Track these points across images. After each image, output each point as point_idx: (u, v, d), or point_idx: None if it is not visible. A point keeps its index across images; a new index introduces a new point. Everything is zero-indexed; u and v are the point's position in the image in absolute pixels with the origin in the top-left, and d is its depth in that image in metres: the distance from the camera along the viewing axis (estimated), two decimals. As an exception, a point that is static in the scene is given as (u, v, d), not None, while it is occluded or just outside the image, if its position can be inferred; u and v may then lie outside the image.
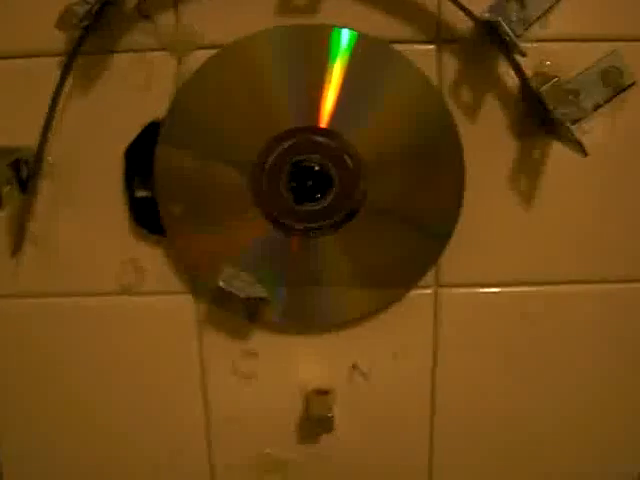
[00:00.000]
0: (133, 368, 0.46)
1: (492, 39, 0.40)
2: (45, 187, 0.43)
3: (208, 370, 0.46)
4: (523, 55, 0.38)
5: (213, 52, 0.40)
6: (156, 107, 0.41)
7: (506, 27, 0.38)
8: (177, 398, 0.46)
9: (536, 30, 0.41)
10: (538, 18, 0.41)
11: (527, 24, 0.41)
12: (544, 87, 0.40)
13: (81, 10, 0.39)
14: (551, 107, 0.39)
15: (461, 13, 0.39)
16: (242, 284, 0.42)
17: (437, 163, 0.41)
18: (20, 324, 0.45)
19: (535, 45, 0.41)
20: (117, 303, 0.44)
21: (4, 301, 0.45)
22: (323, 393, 0.45)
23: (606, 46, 0.41)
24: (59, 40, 0.41)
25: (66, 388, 0.46)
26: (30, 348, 0.46)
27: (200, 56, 0.41)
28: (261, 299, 0.42)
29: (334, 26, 0.40)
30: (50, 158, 0.42)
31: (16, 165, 0.41)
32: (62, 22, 0.39)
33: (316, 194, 0.41)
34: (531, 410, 0.46)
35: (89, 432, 0.47)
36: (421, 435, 0.47)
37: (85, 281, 0.44)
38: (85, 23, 0.39)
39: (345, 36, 0.40)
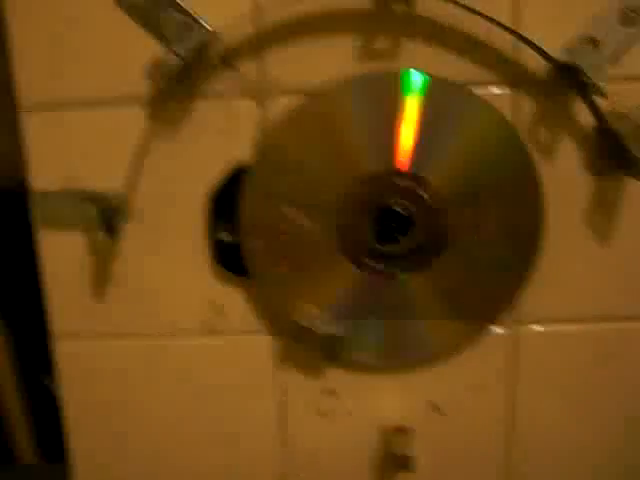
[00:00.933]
0: (213, 405, 0.47)
1: (568, 80, 0.41)
2: (130, 230, 0.44)
3: (287, 408, 0.46)
4: (603, 96, 0.39)
5: (295, 98, 0.42)
6: (240, 152, 0.42)
7: (584, 69, 0.39)
8: (255, 435, 0.47)
9: (611, 70, 0.41)
10: (613, 58, 0.41)
11: (602, 65, 0.41)
12: (621, 126, 0.40)
13: (171, 61, 0.40)
14: (629, 146, 0.40)
15: (537, 55, 0.40)
16: (322, 323, 0.42)
17: (516, 202, 0.42)
18: (104, 364, 0.46)
19: (610, 85, 0.41)
20: (199, 342, 0.45)
21: (89, 342, 0.46)
22: (402, 431, 0.45)
23: (682, 85, 0.41)
24: (146, 87, 0.42)
25: (146, 426, 0.47)
26: (114, 387, 0.47)
27: (282, 102, 0.42)
28: (340, 338, 0.42)
29: (410, 69, 0.41)
30: (136, 202, 0.43)
31: (104, 210, 0.42)
32: (151, 71, 0.41)
33: (398, 235, 0.41)
34: (610, 450, 0.46)
35: (167, 470, 0.48)
36: (498, 473, 0.47)
37: (168, 321, 0.45)
38: (174, 73, 0.41)
39: (421, 79, 0.41)
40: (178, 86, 0.42)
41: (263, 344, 0.45)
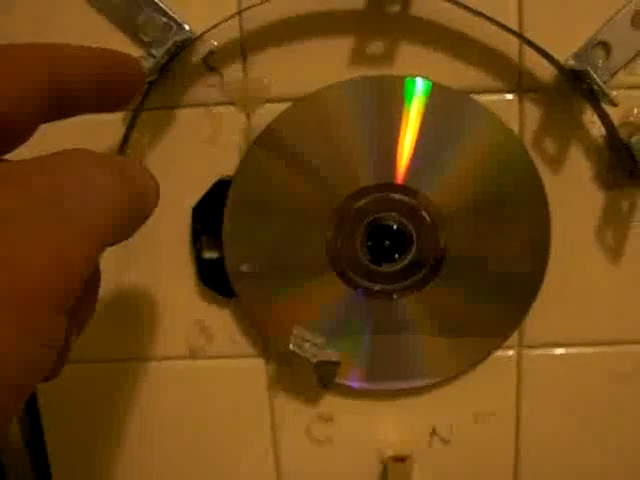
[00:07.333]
0: (203, 432, 0.44)
1: (577, 87, 0.38)
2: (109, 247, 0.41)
3: (280, 435, 0.43)
4: (614, 105, 0.36)
5: (283, 105, 0.39)
6: (224, 162, 0.40)
7: (595, 75, 0.36)
8: (248, 463, 0.44)
9: (623, 77, 0.38)
10: (625, 64, 0.39)
11: (613, 71, 0.39)
12: (634, 138, 0.37)
13: (147, 64, 0.37)
14: (640, 159, 0.37)
15: (544, 61, 0.38)
16: (314, 348, 0.40)
17: (520, 217, 0.39)
18: (87, 389, 0.44)
19: (622, 92, 0.38)
20: (185, 366, 0.42)
21: (71, 366, 0.43)
22: (401, 460, 0.43)
23: (698, 94, 0.38)
24: (123, 94, 0.39)
25: (134, 452, 0.45)
26: (97, 412, 0.44)
27: (269, 110, 0.39)
28: (333, 364, 0.40)
29: (409, 76, 0.38)
30: (114, 216, 0.40)
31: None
32: (127, 77, 0.38)
33: (394, 254, 0.39)
34: (626, 468, 0.44)
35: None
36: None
37: (152, 344, 0.42)
38: (151, 78, 0.38)
39: (420, 86, 0.38)
40: (157, 92, 0.39)
41: (254, 368, 0.43)
